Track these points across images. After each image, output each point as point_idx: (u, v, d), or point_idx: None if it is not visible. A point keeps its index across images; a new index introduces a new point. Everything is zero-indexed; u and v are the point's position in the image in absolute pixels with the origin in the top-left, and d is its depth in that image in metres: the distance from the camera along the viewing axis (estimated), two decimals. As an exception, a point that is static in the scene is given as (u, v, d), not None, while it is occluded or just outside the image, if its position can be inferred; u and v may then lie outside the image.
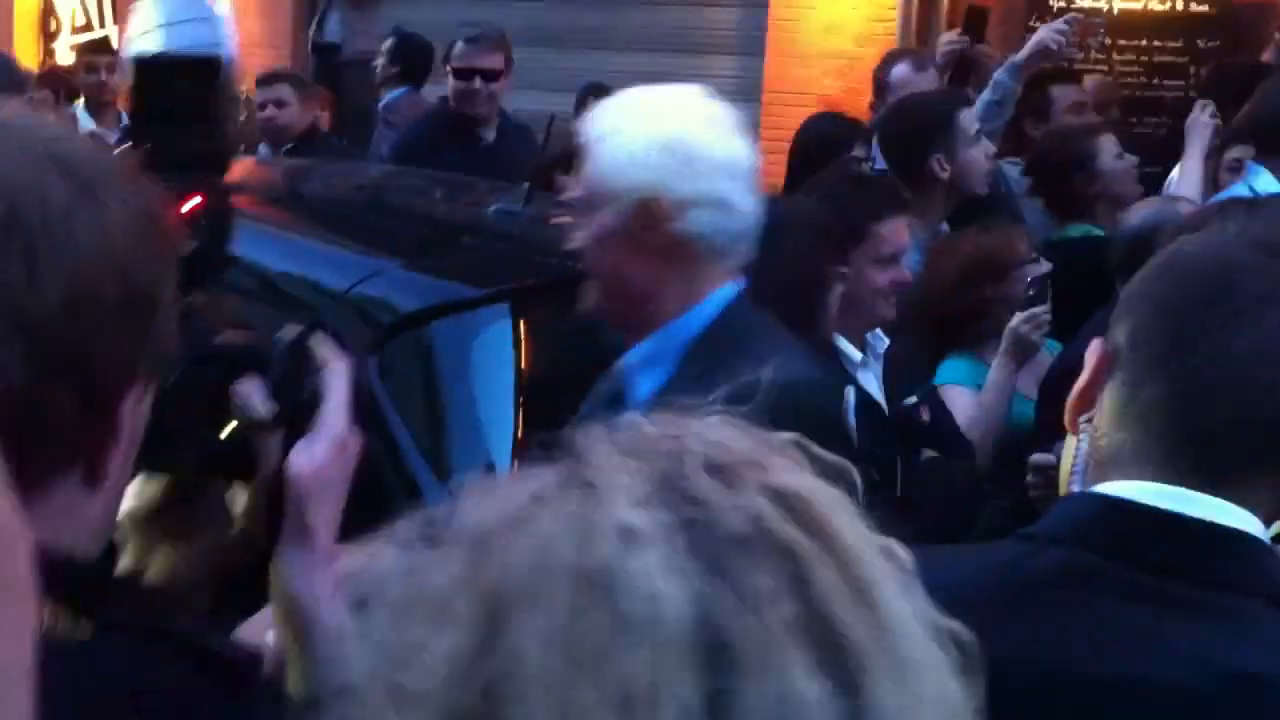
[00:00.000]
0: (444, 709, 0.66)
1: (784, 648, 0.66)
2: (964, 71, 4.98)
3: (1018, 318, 3.37)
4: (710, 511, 0.69)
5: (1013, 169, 4.54)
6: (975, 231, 3.64)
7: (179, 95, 1.48)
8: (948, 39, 5.35)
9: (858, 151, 4.30)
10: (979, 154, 3.99)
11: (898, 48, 5.93)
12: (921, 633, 0.72)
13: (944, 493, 3.04)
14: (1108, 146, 4.44)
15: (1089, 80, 5.90)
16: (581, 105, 7.24)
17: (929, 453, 3.12)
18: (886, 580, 0.72)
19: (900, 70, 5.04)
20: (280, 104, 5.76)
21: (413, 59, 6.24)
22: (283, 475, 1.23)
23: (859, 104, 5.57)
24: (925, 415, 3.09)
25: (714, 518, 0.69)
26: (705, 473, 0.71)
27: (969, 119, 4.03)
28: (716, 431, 0.75)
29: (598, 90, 7.28)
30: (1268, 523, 1.25)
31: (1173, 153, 4.81)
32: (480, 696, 0.66)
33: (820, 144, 4.34)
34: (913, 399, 3.09)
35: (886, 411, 3.05)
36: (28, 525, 0.67)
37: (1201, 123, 4.58)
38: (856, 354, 3.05)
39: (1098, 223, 4.19)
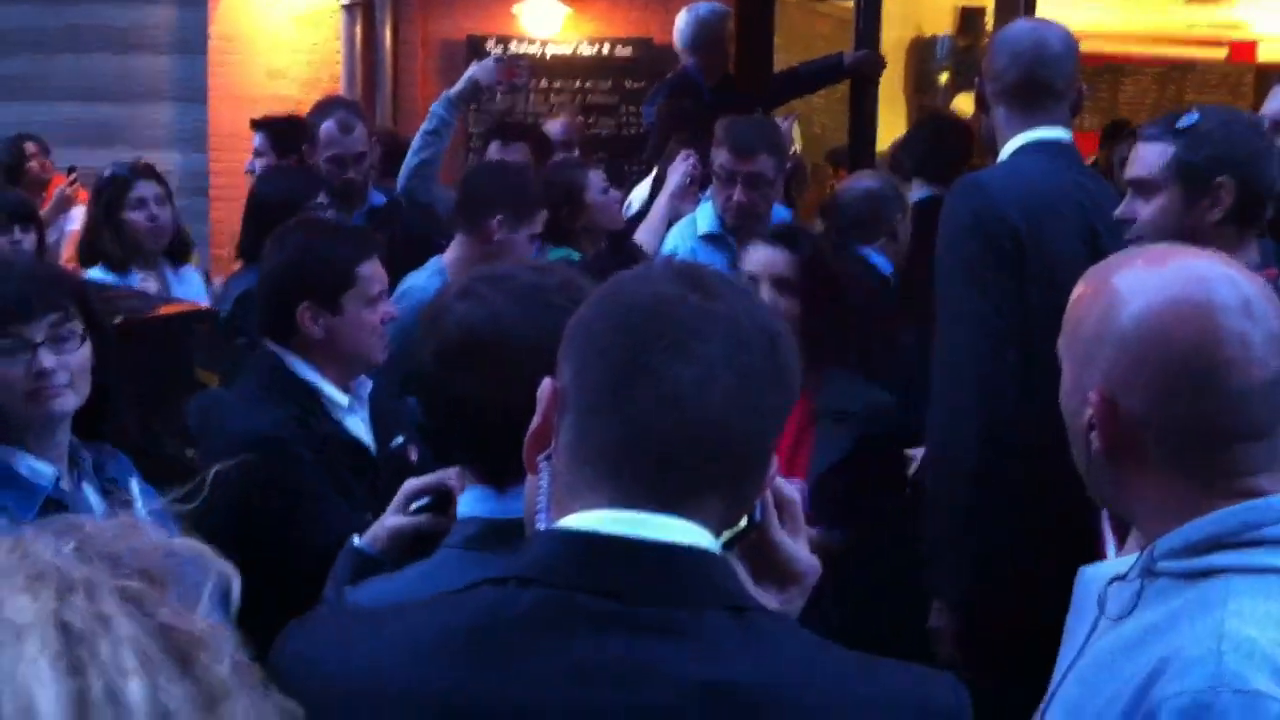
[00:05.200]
0: None
1: None
2: None
3: None
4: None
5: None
6: None
7: None
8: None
9: (320, 199, 4.32)
10: None
11: (333, 96, 5.87)
12: None
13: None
14: (595, 181, 4.70)
15: (555, 122, 6.14)
16: (11, 156, 6.75)
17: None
18: None
19: (327, 128, 5.01)
20: None
21: None
22: None
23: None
24: (413, 455, 3.11)
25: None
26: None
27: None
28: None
29: (28, 140, 6.82)
30: (719, 531, 1.33)
31: (614, 185, 5.06)
32: None
33: (280, 202, 4.26)
34: (400, 440, 3.11)
35: (375, 454, 3.06)
36: None
37: (677, 168, 4.73)
38: (343, 398, 3.04)
39: (580, 249, 4.53)
